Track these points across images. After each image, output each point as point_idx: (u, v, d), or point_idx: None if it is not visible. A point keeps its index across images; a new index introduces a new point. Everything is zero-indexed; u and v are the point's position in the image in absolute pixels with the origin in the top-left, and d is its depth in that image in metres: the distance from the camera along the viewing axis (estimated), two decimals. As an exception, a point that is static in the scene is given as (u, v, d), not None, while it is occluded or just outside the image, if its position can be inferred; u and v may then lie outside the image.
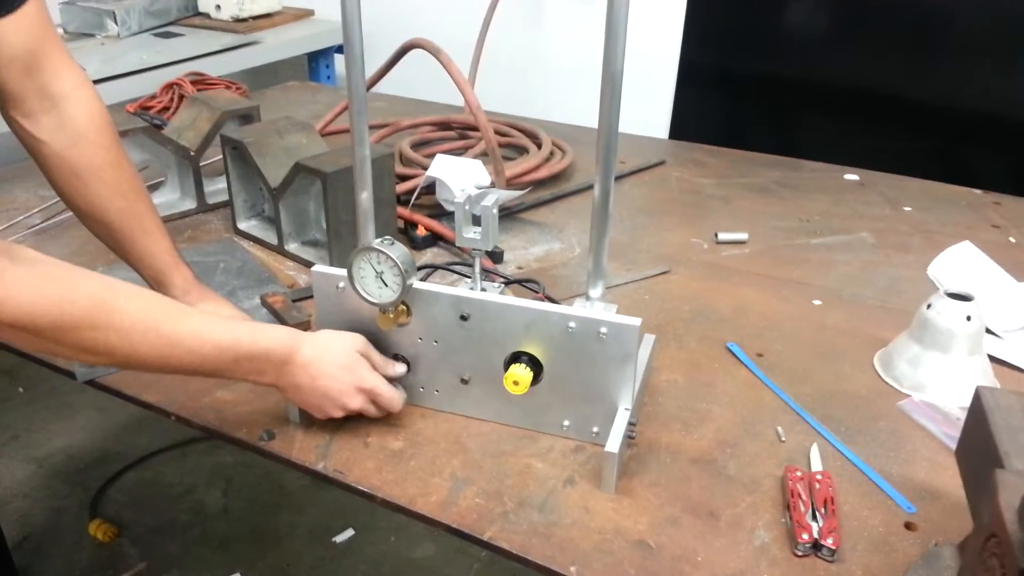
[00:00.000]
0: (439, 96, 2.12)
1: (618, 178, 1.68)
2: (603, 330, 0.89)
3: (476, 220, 0.99)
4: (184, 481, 2.20)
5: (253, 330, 0.90)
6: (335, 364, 0.92)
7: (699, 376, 1.09)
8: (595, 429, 0.96)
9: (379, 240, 0.91)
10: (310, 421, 0.97)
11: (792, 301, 1.28)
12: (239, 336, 0.87)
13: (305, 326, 1.16)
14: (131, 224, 1.06)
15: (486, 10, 2.41)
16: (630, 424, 0.91)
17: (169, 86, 2.03)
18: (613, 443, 0.88)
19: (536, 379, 0.93)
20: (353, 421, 0.97)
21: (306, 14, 2.87)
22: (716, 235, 1.46)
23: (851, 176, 1.78)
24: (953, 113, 2.42)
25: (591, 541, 0.83)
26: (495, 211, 0.99)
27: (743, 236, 1.46)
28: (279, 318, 1.19)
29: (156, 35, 2.42)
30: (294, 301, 1.22)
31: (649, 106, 2.57)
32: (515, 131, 1.83)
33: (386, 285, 0.92)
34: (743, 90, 2.67)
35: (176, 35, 2.43)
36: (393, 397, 0.95)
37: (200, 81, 2.06)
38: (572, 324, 0.90)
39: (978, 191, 1.72)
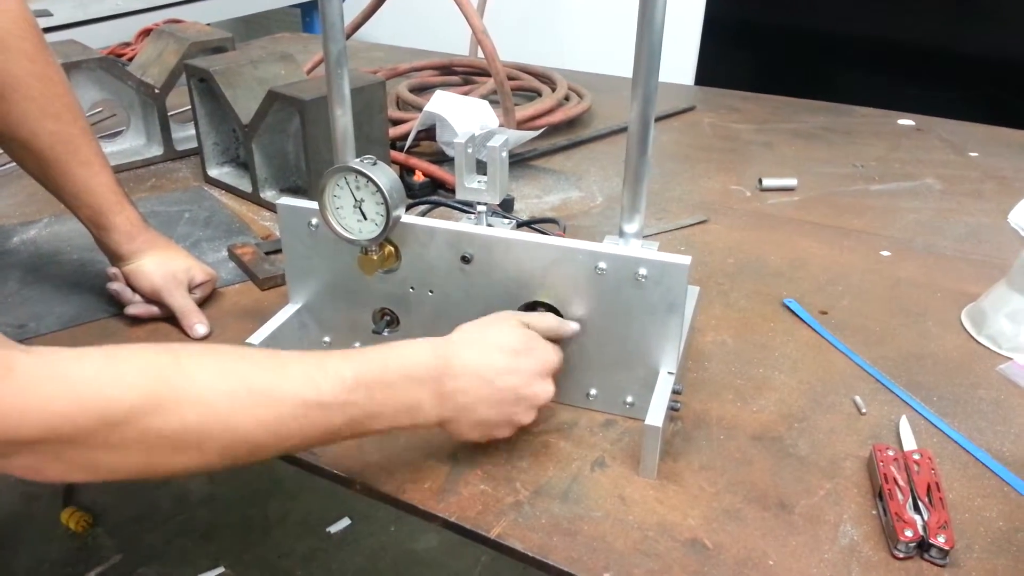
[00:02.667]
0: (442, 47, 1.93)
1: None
2: (642, 271, 0.70)
3: (480, 167, 0.80)
4: (168, 466, 2.02)
5: (377, 349, 0.66)
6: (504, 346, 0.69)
7: (752, 337, 0.90)
8: (629, 399, 0.77)
9: (359, 159, 0.72)
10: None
11: (856, 252, 1.08)
12: (360, 356, 0.64)
13: (278, 280, 0.98)
14: (64, 152, 0.87)
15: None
16: (674, 392, 0.72)
17: (145, 32, 1.85)
18: (655, 415, 0.69)
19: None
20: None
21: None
22: (760, 181, 1.26)
23: (906, 121, 1.58)
24: (1000, 62, 2.25)
25: (629, 540, 0.64)
26: (504, 154, 0.79)
27: (792, 182, 1.26)
28: (248, 271, 1.00)
29: (136, -17, 2.22)
30: (267, 253, 1.03)
31: (673, 56, 2.38)
32: (527, 75, 1.63)
33: (366, 217, 0.73)
34: (772, 43, 2.49)
35: (158, -16, 2.24)
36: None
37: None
38: (602, 265, 0.71)
39: (1049, 136, 1.52)
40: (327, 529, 1.82)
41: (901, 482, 0.67)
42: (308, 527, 1.84)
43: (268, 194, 1.18)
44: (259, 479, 1.97)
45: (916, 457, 0.70)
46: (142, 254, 0.90)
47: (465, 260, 0.75)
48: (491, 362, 0.67)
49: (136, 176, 1.29)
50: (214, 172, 1.25)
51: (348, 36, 1.53)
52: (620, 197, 0.74)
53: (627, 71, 0.68)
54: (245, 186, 1.21)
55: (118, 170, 1.28)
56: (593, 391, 0.78)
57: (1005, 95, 2.24)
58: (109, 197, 0.89)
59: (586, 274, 0.72)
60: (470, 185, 0.79)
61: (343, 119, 0.77)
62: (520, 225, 0.90)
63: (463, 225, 0.76)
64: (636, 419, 0.76)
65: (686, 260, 0.69)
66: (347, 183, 0.72)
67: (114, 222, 0.89)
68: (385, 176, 0.71)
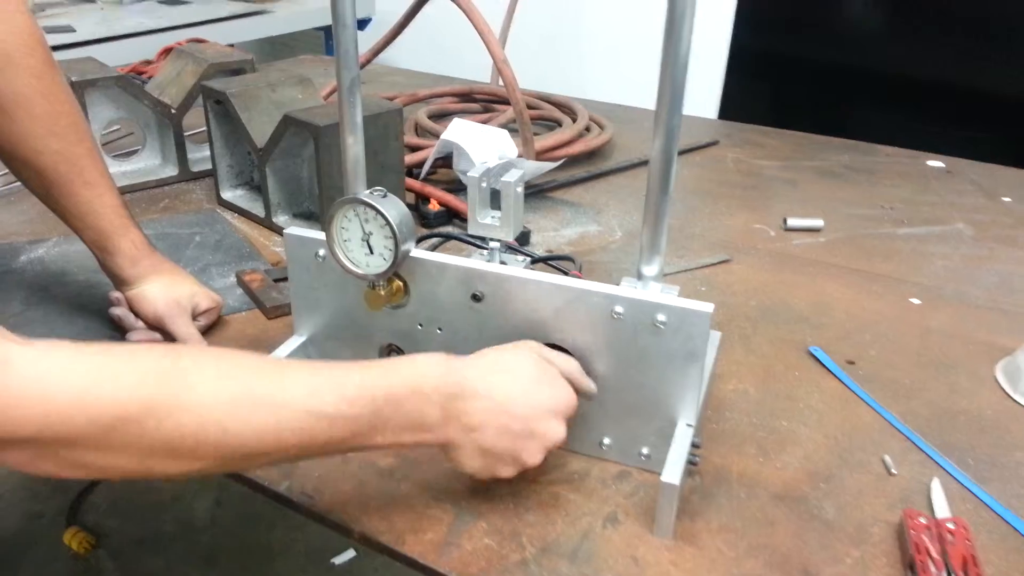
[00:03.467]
0: (464, 75, 1.92)
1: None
2: (661, 317, 0.66)
3: (495, 200, 0.77)
4: (174, 487, 1.99)
5: (388, 361, 0.64)
6: (527, 375, 0.65)
7: (776, 387, 0.86)
8: (645, 451, 0.73)
9: (368, 191, 0.70)
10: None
11: (884, 299, 1.04)
12: (368, 368, 0.61)
13: (286, 309, 0.95)
14: (69, 172, 0.85)
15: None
16: (693, 446, 0.69)
17: (167, 51, 1.84)
18: (672, 471, 0.65)
19: (569, 382, 0.70)
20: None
21: (325, -12, 2.68)
22: (785, 221, 1.23)
23: (935, 163, 1.54)
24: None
25: (640, 606, 0.60)
26: (519, 189, 0.77)
27: (818, 223, 1.22)
28: (255, 299, 0.97)
29: (161, 2, 2.23)
30: (276, 281, 1.01)
31: (697, 89, 2.36)
32: (547, 104, 1.61)
33: (373, 251, 0.70)
34: (796, 77, 2.47)
35: (183, 2, 2.25)
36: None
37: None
38: (619, 309, 0.68)
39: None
40: (331, 560, 1.78)
41: (934, 554, 0.63)
42: (312, 557, 1.80)
43: (281, 219, 1.16)
44: (264, 505, 1.93)
45: (950, 526, 0.65)
46: (146, 279, 0.88)
47: (476, 298, 0.72)
48: (507, 388, 0.64)
49: (150, 196, 1.28)
50: (228, 195, 1.24)
51: (369, 61, 1.51)
52: (639, 233, 0.70)
53: (650, 102, 0.65)
54: (258, 210, 1.18)
55: (132, 189, 1.27)
56: (607, 440, 0.74)
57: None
58: (114, 220, 0.87)
59: (602, 318, 0.69)
60: (483, 221, 0.76)
61: (355, 148, 0.74)
62: (535, 261, 0.87)
63: (475, 262, 0.72)
64: (652, 472, 0.72)
65: (708, 308, 0.65)
66: (356, 215, 0.69)
67: (118, 245, 0.87)
68: (395, 209, 0.68)
